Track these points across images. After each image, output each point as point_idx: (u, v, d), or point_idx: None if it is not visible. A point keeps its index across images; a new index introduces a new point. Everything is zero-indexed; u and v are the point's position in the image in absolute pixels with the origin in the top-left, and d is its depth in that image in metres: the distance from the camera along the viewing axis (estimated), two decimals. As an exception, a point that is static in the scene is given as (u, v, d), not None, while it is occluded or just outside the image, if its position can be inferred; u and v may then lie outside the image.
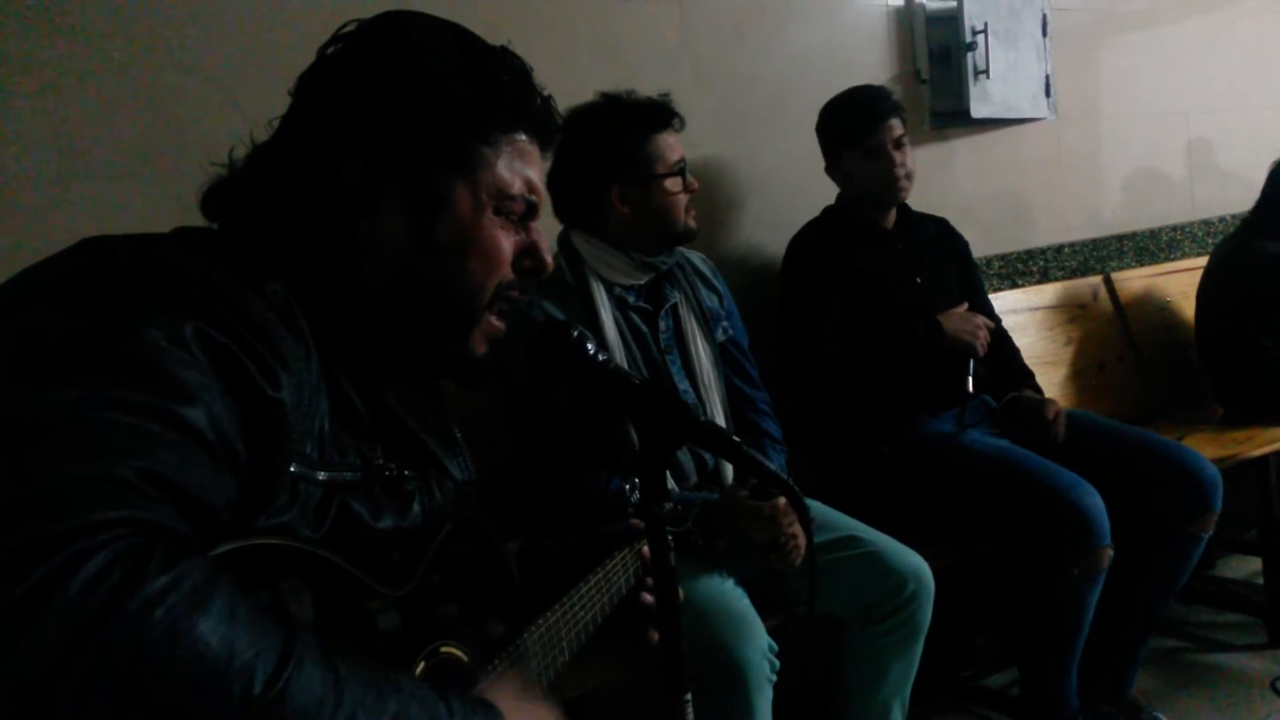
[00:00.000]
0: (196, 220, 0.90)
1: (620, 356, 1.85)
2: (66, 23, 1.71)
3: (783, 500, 1.73)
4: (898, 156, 2.32)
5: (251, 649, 0.55)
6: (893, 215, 2.44)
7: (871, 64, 2.79)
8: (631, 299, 1.94)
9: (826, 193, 2.47)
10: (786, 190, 2.60)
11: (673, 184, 1.91)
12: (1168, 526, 2.23)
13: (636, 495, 1.24)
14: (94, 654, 0.51)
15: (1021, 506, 2.07)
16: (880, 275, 2.35)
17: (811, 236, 2.40)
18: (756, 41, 2.58)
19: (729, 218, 2.53)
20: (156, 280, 0.70)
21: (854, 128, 2.34)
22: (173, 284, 0.70)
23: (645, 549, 1.25)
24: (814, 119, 2.47)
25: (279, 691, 0.55)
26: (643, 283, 1.95)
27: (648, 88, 1.96)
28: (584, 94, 1.91)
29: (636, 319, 1.93)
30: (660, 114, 1.92)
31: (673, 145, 1.92)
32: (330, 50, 0.92)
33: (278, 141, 0.92)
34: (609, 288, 1.90)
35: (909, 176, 2.35)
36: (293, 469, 0.75)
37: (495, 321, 0.95)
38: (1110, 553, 2.03)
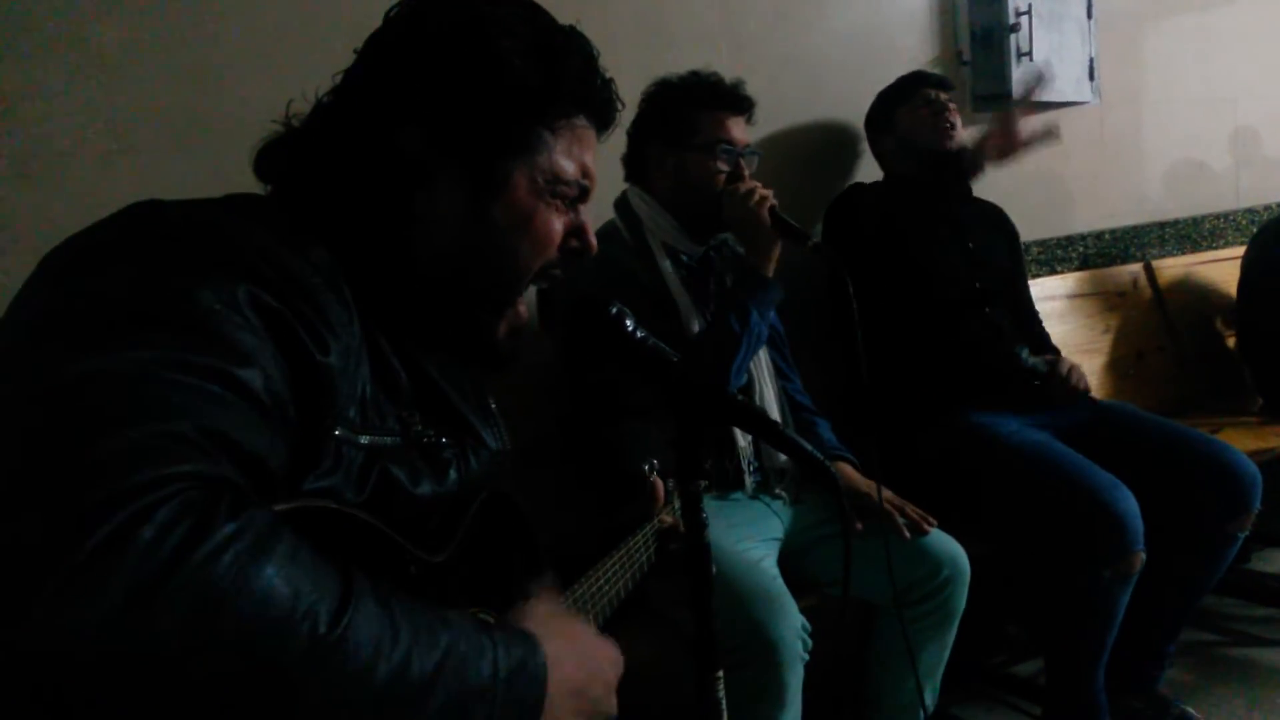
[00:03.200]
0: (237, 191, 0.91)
1: (685, 304, 1.87)
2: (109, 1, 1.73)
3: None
4: (950, 109, 2.37)
5: (315, 591, 0.58)
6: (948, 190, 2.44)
7: (912, 45, 2.76)
8: (684, 258, 1.96)
9: (863, 176, 2.45)
10: (826, 173, 2.58)
11: (710, 161, 1.90)
12: (1204, 524, 2.19)
13: (655, 474, 1.26)
14: (166, 601, 0.52)
15: (1055, 505, 2.04)
16: (929, 236, 2.35)
17: (859, 194, 2.40)
18: (797, 23, 2.56)
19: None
20: (207, 243, 0.71)
21: (911, 85, 2.41)
22: (223, 247, 0.71)
23: (666, 517, 1.27)
24: (853, 101, 2.45)
25: (343, 630, 0.58)
26: (694, 250, 1.97)
27: (686, 68, 1.96)
28: (622, 73, 1.88)
29: (689, 277, 1.95)
30: (718, 93, 1.93)
31: (722, 126, 1.92)
32: (400, 14, 0.91)
33: (338, 103, 0.91)
34: (664, 245, 1.93)
35: (957, 130, 2.38)
36: (337, 432, 0.76)
37: (521, 309, 0.95)
38: (1142, 557, 2.00)
